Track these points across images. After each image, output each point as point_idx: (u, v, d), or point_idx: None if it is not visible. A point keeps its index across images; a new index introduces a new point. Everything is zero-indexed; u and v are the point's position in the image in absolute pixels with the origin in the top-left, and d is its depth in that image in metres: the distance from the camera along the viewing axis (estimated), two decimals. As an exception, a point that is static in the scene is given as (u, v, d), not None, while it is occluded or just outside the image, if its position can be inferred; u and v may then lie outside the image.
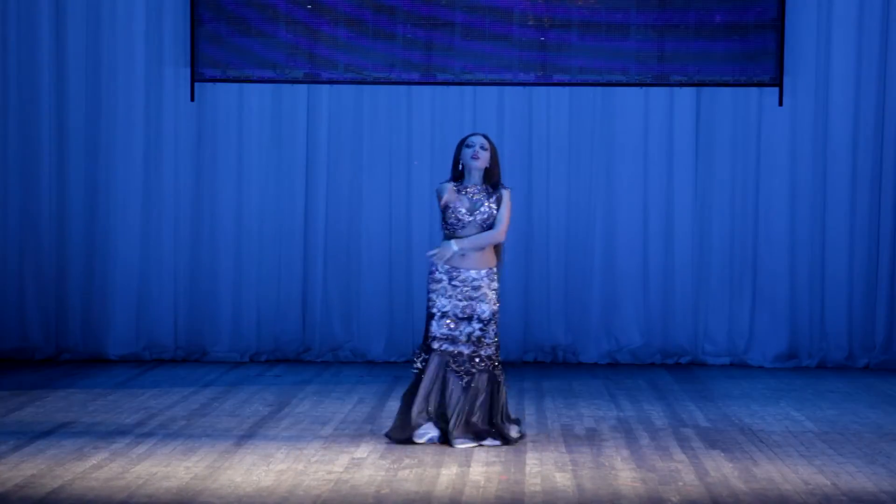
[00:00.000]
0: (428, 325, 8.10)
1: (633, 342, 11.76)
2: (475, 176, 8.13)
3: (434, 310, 8.10)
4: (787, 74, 11.54)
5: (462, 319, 8.08)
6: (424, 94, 11.70)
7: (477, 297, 8.10)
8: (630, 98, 11.67)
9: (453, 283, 8.12)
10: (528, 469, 7.32)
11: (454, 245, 8.08)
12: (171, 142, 11.70)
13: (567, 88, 11.65)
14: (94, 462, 7.37)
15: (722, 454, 7.74)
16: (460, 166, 8.14)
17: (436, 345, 8.04)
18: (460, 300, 8.11)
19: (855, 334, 11.68)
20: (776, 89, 11.53)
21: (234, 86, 11.66)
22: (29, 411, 9.01)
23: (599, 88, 11.65)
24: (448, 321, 8.08)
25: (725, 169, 11.70)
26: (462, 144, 8.16)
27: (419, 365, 8.08)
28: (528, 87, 11.64)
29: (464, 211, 8.09)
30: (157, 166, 11.70)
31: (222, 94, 11.69)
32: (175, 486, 6.82)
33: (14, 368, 11.12)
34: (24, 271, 11.68)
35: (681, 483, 7.00)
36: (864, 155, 11.60)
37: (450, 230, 8.14)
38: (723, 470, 7.32)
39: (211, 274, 11.74)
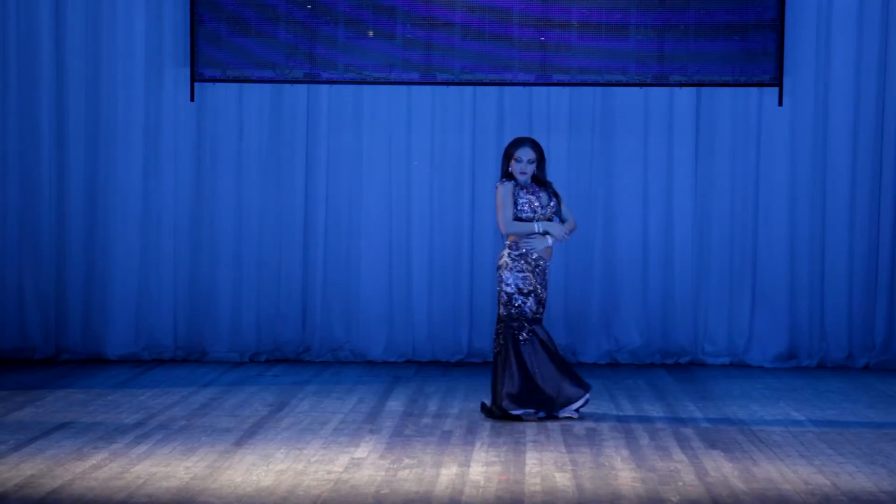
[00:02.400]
0: (524, 301, 8.79)
1: (633, 342, 11.76)
2: (523, 181, 8.87)
3: (530, 287, 8.79)
4: (786, 74, 11.54)
5: (542, 294, 8.90)
6: (424, 94, 11.70)
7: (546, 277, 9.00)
8: (630, 98, 11.67)
9: (538, 269, 8.86)
10: (527, 469, 7.32)
11: (550, 240, 8.84)
12: (171, 142, 11.70)
13: (567, 88, 11.65)
14: (94, 462, 7.37)
15: (722, 454, 7.74)
16: (510, 169, 8.86)
17: (537, 315, 8.85)
18: (541, 281, 8.88)
19: (855, 334, 11.68)
20: (776, 89, 11.54)
21: (234, 86, 11.67)
22: (28, 411, 9.01)
23: (599, 88, 11.65)
24: (535, 297, 8.84)
25: (725, 169, 11.71)
26: (512, 156, 8.86)
27: (525, 336, 8.79)
28: (527, 87, 11.65)
29: (538, 204, 8.84)
30: (156, 166, 11.70)
31: (222, 95, 11.69)
32: (175, 487, 6.82)
33: (13, 368, 11.12)
34: (23, 271, 11.68)
35: (680, 483, 7.00)
36: (863, 154, 11.60)
37: (524, 219, 8.81)
38: (722, 470, 7.32)
39: (210, 274, 11.74)
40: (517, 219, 8.80)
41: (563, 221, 8.95)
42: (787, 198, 11.66)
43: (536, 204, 8.83)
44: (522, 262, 8.81)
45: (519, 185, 8.82)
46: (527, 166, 8.81)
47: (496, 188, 8.86)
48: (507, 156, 8.87)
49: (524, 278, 8.80)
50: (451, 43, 11.55)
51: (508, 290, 8.80)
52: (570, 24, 11.53)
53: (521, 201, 8.81)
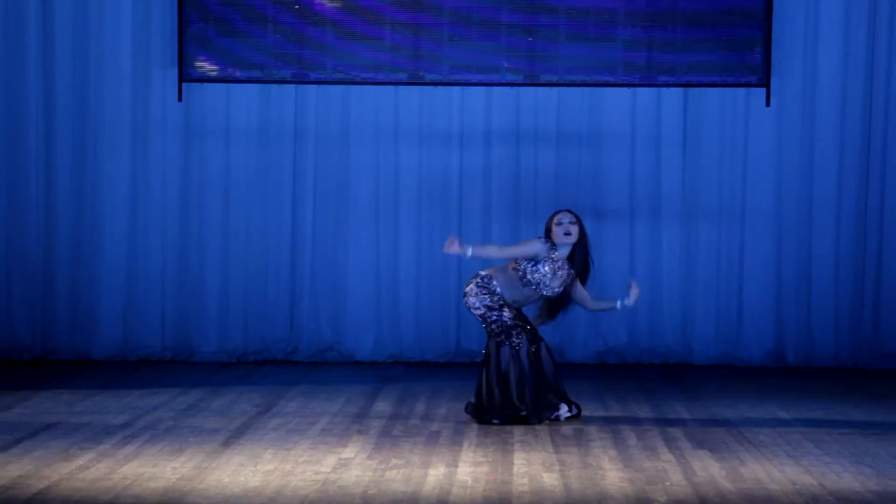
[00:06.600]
0: (498, 315, 8.71)
1: (621, 342, 11.77)
2: (564, 251, 8.80)
3: (500, 301, 8.70)
4: (774, 75, 11.56)
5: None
6: (412, 95, 11.70)
7: None
8: (618, 98, 11.68)
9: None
10: (515, 469, 7.32)
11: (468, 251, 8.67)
12: (159, 142, 11.69)
13: (555, 89, 11.66)
14: (81, 463, 7.36)
15: (709, 454, 7.75)
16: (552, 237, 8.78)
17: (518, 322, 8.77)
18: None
19: (841, 334, 11.70)
20: (763, 90, 11.56)
21: (222, 86, 11.65)
22: (15, 412, 8.99)
23: (587, 89, 11.66)
24: (508, 308, 8.79)
25: (713, 169, 11.72)
26: (552, 222, 8.76)
27: (516, 340, 8.74)
28: (515, 88, 11.65)
29: (551, 279, 8.72)
30: (144, 166, 11.69)
31: (210, 95, 11.68)
32: (162, 487, 6.81)
33: (1, 369, 11.10)
34: (11, 272, 11.66)
35: (668, 483, 7.01)
36: (850, 155, 11.62)
37: (530, 280, 8.70)
38: (710, 470, 7.33)
39: (198, 274, 11.73)
40: (525, 279, 8.69)
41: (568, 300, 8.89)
42: (775, 198, 11.69)
43: (549, 277, 8.67)
44: (486, 291, 8.77)
45: (552, 258, 8.66)
46: (570, 227, 8.69)
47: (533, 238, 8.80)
48: (547, 229, 8.77)
49: (490, 297, 8.75)
50: (439, 43, 11.56)
51: (478, 312, 8.76)
52: (557, 25, 11.54)
53: (542, 270, 8.66)
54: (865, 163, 11.62)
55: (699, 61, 11.52)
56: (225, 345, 11.73)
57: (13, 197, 11.64)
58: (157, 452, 7.66)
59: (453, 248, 8.51)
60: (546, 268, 8.69)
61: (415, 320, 11.78)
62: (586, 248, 8.80)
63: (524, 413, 8.65)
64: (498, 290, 8.73)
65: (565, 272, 8.75)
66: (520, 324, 8.78)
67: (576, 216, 8.79)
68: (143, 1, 11.59)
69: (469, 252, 8.57)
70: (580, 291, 8.86)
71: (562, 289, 8.77)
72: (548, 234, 8.77)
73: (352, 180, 11.75)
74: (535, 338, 8.86)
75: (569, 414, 8.84)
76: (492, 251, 8.80)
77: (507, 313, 8.74)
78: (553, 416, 8.77)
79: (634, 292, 8.86)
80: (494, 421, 8.66)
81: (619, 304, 8.91)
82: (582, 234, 8.76)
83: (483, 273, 8.81)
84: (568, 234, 8.70)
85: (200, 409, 9.22)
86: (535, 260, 8.68)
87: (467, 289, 8.79)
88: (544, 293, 8.78)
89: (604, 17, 11.50)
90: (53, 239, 11.67)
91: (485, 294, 8.73)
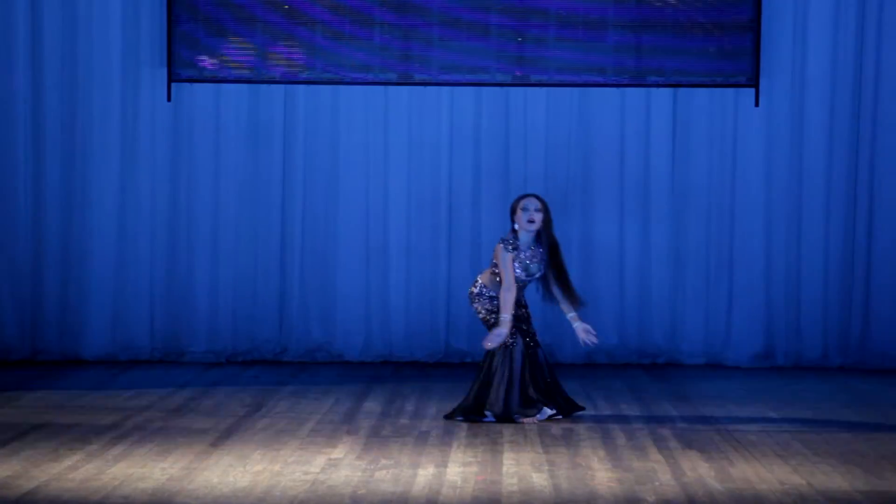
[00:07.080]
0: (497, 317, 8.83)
1: (610, 342, 11.77)
2: (527, 237, 8.81)
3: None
4: (763, 75, 11.57)
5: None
6: (402, 95, 11.70)
7: None
8: (607, 99, 11.69)
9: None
10: (504, 469, 7.33)
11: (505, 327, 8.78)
12: (148, 142, 11.67)
13: (544, 89, 11.67)
14: (70, 463, 7.35)
15: (698, 454, 7.76)
16: (516, 225, 8.80)
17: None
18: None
19: (830, 334, 11.72)
20: (752, 90, 11.57)
21: (211, 86, 11.65)
22: (4, 412, 8.98)
23: (576, 89, 11.67)
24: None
25: (702, 169, 11.74)
26: (517, 208, 8.78)
27: (511, 341, 8.81)
28: (505, 88, 11.66)
29: (526, 271, 8.83)
30: (133, 167, 11.67)
31: (199, 95, 11.67)
32: (151, 488, 6.81)
33: (-11, 369, 11.10)
34: (-1, 272, 11.65)
35: (657, 483, 7.01)
36: (839, 155, 11.64)
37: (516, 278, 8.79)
38: (699, 469, 7.34)
39: (187, 275, 11.72)
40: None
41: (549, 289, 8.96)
42: (763, 198, 11.70)
43: (525, 273, 8.82)
44: (484, 297, 8.87)
45: (519, 250, 8.75)
46: (534, 214, 8.74)
47: (496, 247, 8.81)
48: (512, 210, 8.85)
49: (489, 301, 8.85)
50: (428, 43, 11.56)
51: (480, 315, 8.92)
52: (547, 26, 11.55)
53: (516, 272, 8.76)
54: (854, 163, 11.64)
55: (688, 62, 11.53)
56: (214, 345, 11.72)
57: (1, 196, 11.61)
58: (146, 453, 7.65)
59: (497, 337, 8.68)
60: (519, 269, 8.79)
61: (404, 320, 11.78)
62: (551, 236, 8.83)
63: (489, 413, 8.73)
64: (494, 293, 8.84)
65: (537, 255, 8.82)
66: (513, 324, 8.83)
67: (542, 202, 8.82)
68: (132, 1, 11.57)
69: (507, 318, 8.70)
70: (550, 277, 8.94)
71: (543, 267, 8.85)
72: (512, 216, 8.83)
73: (341, 180, 11.74)
74: (534, 341, 8.92)
75: (552, 415, 8.86)
76: (508, 298, 8.74)
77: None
78: (539, 418, 8.78)
79: (586, 336, 8.96)
80: (458, 418, 8.77)
81: (571, 317, 9.00)
82: (547, 221, 8.80)
83: (479, 281, 8.95)
84: (531, 221, 8.76)
85: (189, 409, 9.21)
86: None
87: (470, 295, 8.96)
88: (532, 281, 8.89)
89: (593, 20, 11.51)
90: (42, 238, 11.64)
91: (484, 299, 8.87)
